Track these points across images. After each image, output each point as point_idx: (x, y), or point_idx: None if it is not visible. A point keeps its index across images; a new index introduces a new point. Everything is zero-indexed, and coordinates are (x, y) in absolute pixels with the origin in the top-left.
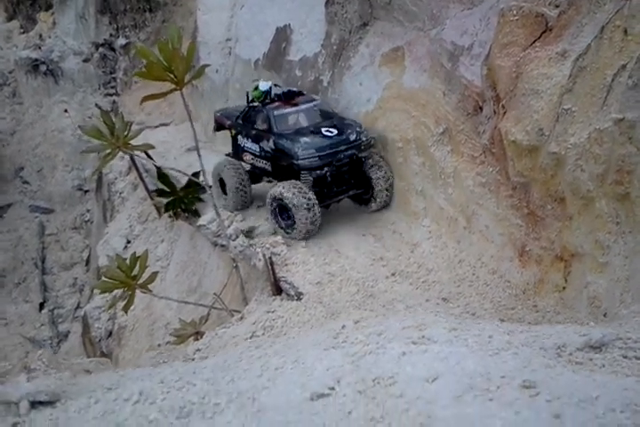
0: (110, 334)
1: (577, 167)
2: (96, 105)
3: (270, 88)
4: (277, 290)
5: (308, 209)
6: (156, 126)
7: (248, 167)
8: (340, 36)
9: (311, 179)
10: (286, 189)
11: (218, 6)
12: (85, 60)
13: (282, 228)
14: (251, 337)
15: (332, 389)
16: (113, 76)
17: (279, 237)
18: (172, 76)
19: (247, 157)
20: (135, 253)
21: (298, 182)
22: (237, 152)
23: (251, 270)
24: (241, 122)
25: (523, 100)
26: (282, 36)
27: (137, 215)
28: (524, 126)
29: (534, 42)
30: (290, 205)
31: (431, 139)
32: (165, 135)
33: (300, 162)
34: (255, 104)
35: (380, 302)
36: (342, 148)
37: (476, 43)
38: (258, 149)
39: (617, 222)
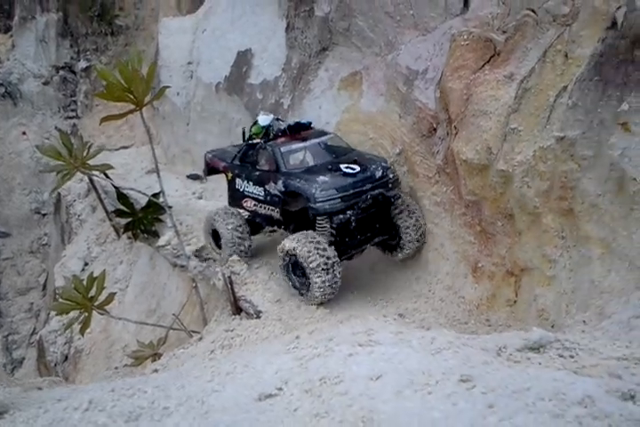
0: (66, 358)
1: (523, 184)
2: (56, 128)
3: (272, 123)
4: (237, 309)
5: (327, 270)
6: (117, 149)
7: (246, 215)
8: (301, 61)
9: (329, 227)
10: (301, 244)
11: (180, 30)
12: (45, 83)
13: (295, 287)
14: (209, 356)
15: (280, 389)
16: (73, 99)
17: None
18: (131, 97)
19: (248, 203)
20: (92, 273)
21: (314, 234)
22: (236, 198)
23: (211, 291)
24: (238, 163)
25: (473, 121)
26: (243, 60)
27: (95, 237)
28: (474, 146)
29: (483, 65)
30: (304, 264)
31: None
32: (126, 158)
33: (318, 205)
34: (255, 141)
35: (338, 318)
36: (368, 186)
37: (430, 67)
38: (262, 194)
39: (562, 237)
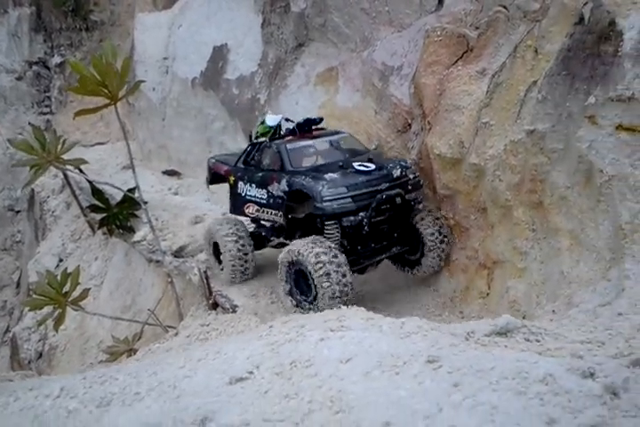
0: (40, 355)
1: (495, 177)
2: (29, 124)
3: (280, 123)
4: (213, 304)
5: (338, 281)
6: (92, 145)
7: (251, 228)
8: (277, 56)
9: (339, 232)
10: (305, 248)
11: (155, 25)
12: (18, 79)
13: (297, 304)
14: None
15: (251, 373)
16: (47, 94)
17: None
18: (105, 91)
19: (250, 208)
20: (66, 269)
21: (321, 238)
22: (237, 205)
23: (186, 286)
24: (242, 166)
25: (446, 116)
26: (219, 56)
27: (70, 233)
28: (448, 140)
29: (457, 61)
30: (311, 271)
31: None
32: (101, 153)
33: (325, 205)
34: (260, 140)
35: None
36: (384, 186)
37: (405, 63)
38: (265, 196)
39: (533, 229)
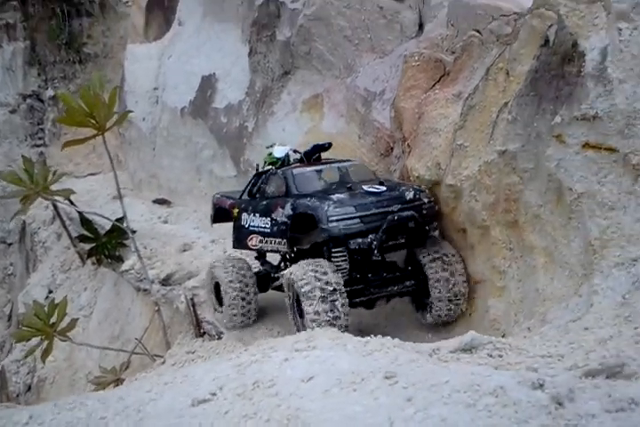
0: (29, 388)
1: (471, 198)
2: (22, 156)
3: (288, 154)
4: (200, 331)
5: (323, 298)
6: (85, 176)
7: (256, 268)
8: (264, 84)
9: (347, 259)
10: (297, 269)
11: (146, 56)
12: (12, 112)
13: (298, 330)
14: None
15: (214, 394)
16: (41, 127)
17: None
18: (93, 121)
19: (254, 240)
20: (54, 299)
21: (320, 260)
22: (240, 238)
23: (174, 314)
24: (247, 198)
25: (424, 139)
26: (207, 85)
27: (60, 264)
28: (426, 162)
29: (434, 85)
30: (298, 290)
31: None
32: (93, 184)
33: (331, 226)
34: (266, 169)
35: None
36: (395, 207)
37: (387, 88)
38: (269, 225)
39: (510, 248)
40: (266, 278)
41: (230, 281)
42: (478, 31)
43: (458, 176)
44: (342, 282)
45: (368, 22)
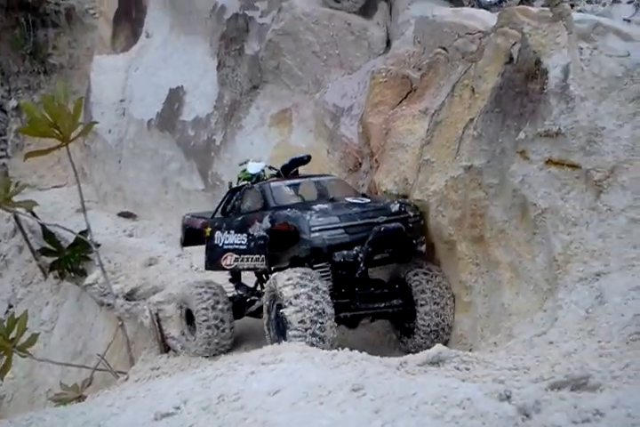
0: None
1: (438, 213)
2: None
3: (263, 170)
4: (165, 347)
5: (310, 307)
6: (49, 188)
7: (230, 293)
8: (232, 98)
9: (330, 273)
10: (280, 275)
11: (113, 68)
12: None
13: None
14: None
15: (178, 408)
16: (3, 138)
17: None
18: (57, 132)
19: (228, 259)
20: (14, 314)
21: (306, 269)
22: (213, 258)
23: (138, 329)
24: (220, 216)
25: (391, 154)
26: (175, 97)
27: (21, 278)
28: (393, 177)
29: (401, 101)
30: (284, 299)
31: None
32: (57, 197)
33: (313, 236)
34: (240, 184)
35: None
36: (381, 218)
37: (355, 104)
38: (245, 241)
39: (476, 263)
40: (241, 303)
41: (203, 309)
42: (444, 48)
43: (425, 191)
44: (328, 298)
45: (336, 38)
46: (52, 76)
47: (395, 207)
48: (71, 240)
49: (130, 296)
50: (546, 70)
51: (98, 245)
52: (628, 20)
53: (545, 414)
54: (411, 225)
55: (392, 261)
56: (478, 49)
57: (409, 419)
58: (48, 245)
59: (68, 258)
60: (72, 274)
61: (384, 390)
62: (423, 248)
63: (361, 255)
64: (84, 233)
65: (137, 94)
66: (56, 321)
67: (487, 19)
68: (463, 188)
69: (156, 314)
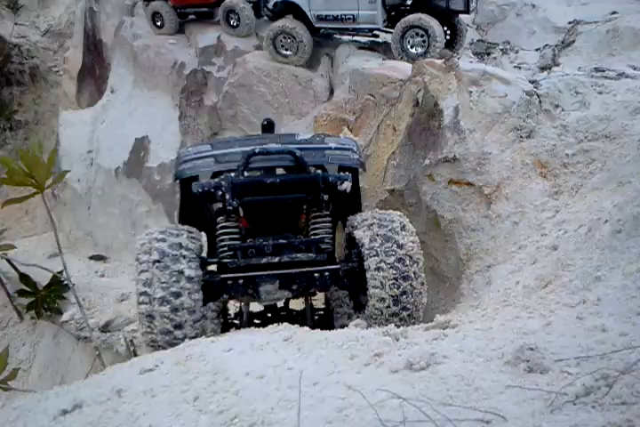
0: None
1: None
2: None
3: None
4: None
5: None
6: (19, 239)
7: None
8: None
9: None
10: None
11: (79, 122)
12: None
13: None
14: None
15: (157, 366)
16: None
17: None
18: (33, 181)
19: None
20: None
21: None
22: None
23: (115, 358)
24: None
25: None
26: (140, 146)
27: None
28: None
29: None
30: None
31: None
32: (27, 244)
33: (178, 170)
34: None
35: None
36: (273, 147)
37: None
38: None
39: None
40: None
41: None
42: (372, 95)
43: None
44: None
45: (286, 89)
46: (17, 132)
47: (305, 137)
48: (44, 283)
49: (105, 328)
50: (442, 110)
51: (72, 285)
52: (519, 67)
53: (410, 338)
54: (326, 158)
55: (294, 201)
56: (399, 95)
57: (319, 350)
58: (24, 287)
59: (45, 298)
60: (49, 313)
61: (306, 337)
62: (345, 186)
63: (225, 184)
64: (59, 273)
65: (104, 145)
66: (33, 360)
67: (406, 69)
68: (390, 208)
69: (131, 341)
